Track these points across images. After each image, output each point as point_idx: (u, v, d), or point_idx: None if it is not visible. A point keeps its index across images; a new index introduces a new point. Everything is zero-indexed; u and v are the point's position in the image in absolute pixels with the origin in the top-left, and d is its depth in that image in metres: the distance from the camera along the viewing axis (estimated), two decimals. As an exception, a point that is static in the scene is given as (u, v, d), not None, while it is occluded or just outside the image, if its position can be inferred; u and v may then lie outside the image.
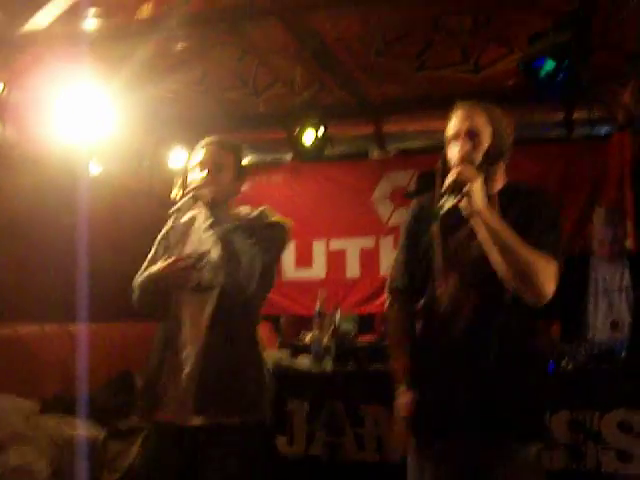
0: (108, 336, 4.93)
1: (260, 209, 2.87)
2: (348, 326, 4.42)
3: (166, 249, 2.81)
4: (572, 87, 4.23)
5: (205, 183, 2.69)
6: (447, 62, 5.08)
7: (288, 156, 6.54)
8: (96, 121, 4.93)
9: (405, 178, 6.10)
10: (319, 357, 3.83)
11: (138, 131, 5.74)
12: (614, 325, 3.91)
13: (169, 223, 2.86)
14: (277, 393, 2.94)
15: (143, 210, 5.76)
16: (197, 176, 2.75)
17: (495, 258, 2.16)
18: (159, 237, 2.88)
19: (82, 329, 4.56)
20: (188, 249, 2.76)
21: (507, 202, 2.31)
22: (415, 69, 5.16)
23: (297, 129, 5.74)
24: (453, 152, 2.34)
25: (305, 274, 6.36)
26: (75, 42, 4.23)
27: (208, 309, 2.68)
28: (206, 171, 2.73)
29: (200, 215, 2.68)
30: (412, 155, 6.29)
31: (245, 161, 2.95)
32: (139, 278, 2.82)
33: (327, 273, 6.37)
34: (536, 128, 5.95)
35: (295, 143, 5.85)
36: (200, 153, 2.80)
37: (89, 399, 4.09)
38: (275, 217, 2.85)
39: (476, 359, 2.27)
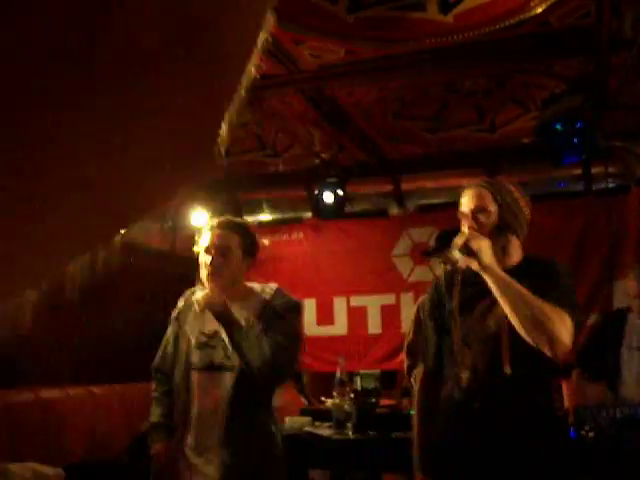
0: (130, 397, 4.96)
1: (272, 290, 2.90)
2: (370, 385, 4.41)
3: (179, 327, 2.87)
4: (588, 147, 4.28)
5: (212, 270, 2.73)
6: (463, 122, 5.15)
7: (308, 214, 6.61)
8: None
9: (425, 234, 6.14)
10: (341, 424, 3.83)
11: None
12: None
13: (180, 302, 2.94)
14: (299, 460, 2.96)
15: (166, 270, 5.84)
16: (205, 260, 2.78)
17: (510, 312, 2.22)
18: (173, 314, 2.95)
19: (106, 391, 4.60)
20: (198, 328, 2.83)
21: (523, 273, 2.36)
22: (432, 130, 5.23)
23: (317, 188, 5.83)
24: (464, 228, 2.43)
25: (327, 331, 6.39)
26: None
27: (227, 391, 2.72)
28: (210, 257, 2.78)
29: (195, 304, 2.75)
30: (431, 211, 6.33)
31: (257, 234, 2.98)
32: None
33: (349, 330, 6.39)
34: (554, 183, 6.00)
35: (315, 202, 5.93)
36: (206, 237, 2.83)
37: (113, 464, 4.11)
38: (286, 298, 2.86)
39: (498, 434, 2.30)
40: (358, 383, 4.05)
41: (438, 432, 2.47)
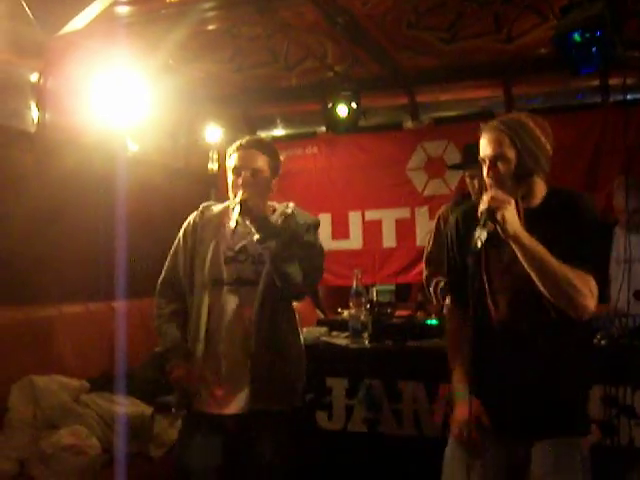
0: (149, 311, 5.04)
1: (290, 209, 2.91)
2: (385, 299, 4.47)
3: (196, 242, 2.89)
4: (606, 57, 4.18)
5: (243, 190, 2.72)
6: (479, 32, 5.03)
7: (322, 128, 6.56)
8: (132, 102, 5.01)
9: (440, 147, 6.11)
10: (357, 334, 3.91)
11: (173, 110, 5.82)
12: (637, 295, 3.91)
13: (194, 216, 2.95)
14: (317, 369, 3.03)
15: (179, 187, 5.86)
16: (235, 180, 2.80)
17: (535, 278, 2.24)
18: (183, 230, 2.96)
19: (124, 305, 4.68)
20: (224, 244, 2.85)
21: (547, 214, 2.36)
22: (447, 40, 5.13)
23: (330, 102, 5.77)
24: (485, 177, 2.41)
25: (342, 245, 6.43)
26: (110, 27, 4.27)
27: (252, 304, 2.77)
28: (241, 177, 2.77)
29: (234, 211, 2.73)
30: (446, 124, 6.27)
31: (279, 150, 2.98)
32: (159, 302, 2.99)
33: (364, 244, 6.44)
34: (571, 95, 5.91)
35: (329, 116, 5.88)
36: (234, 157, 2.83)
37: (134, 375, 4.22)
38: (305, 216, 2.90)
39: (529, 368, 2.35)
40: (374, 294, 4.11)
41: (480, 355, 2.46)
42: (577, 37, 3.97)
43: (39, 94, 4.53)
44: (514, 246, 2.24)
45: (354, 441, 3.76)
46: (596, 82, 5.61)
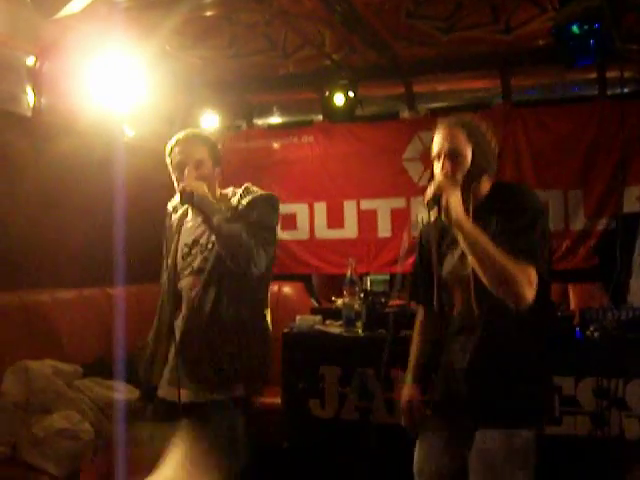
0: (142, 298, 5.05)
1: (244, 186, 2.92)
2: (379, 289, 4.48)
3: (167, 245, 2.97)
4: (604, 50, 4.19)
5: (187, 182, 2.75)
6: (477, 23, 5.03)
7: (318, 117, 6.55)
8: (128, 87, 4.99)
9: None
10: (350, 322, 3.92)
11: (170, 96, 5.80)
12: None
13: (171, 214, 3.05)
14: (310, 357, 3.05)
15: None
16: (178, 177, 2.83)
17: (475, 265, 2.28)
18: (168, 224, 3.05)
19: (120, 292, 4.68)
20: (182, 240, 2.93)
21: (491, 206, 2.42)
22: (445, 30, 5.12)
23: (328, 90, 5.77)
24: (436, 171, 2.45)
25: (337, 234, 6.43)
26: (106, 11, 4.26)
27: (205, 295, 2.80)
28: (185, 172, 2.79)
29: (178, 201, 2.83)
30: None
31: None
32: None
33: (359, 233, 6.43)
34: (568, 87, 5.91)
35: (326, 104, 5.88)
36: (174, 152, 2.85)
37: (128, 362, 4.22)
38: (256, 192, 2.90)
39: (484, 356, 2.44)
40: (368, 283, 4.12)
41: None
42: (575, 29, 3.98)
43: (35, 78, 4.52)
44: (457, 233, 2.29)
45: (346, 429, 3.78)
46: (593, 75, 5.62)
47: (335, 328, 4.02)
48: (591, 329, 3.42)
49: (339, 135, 6.45)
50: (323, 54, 5.50)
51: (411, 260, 5.84)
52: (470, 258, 2.29)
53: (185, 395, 2.76)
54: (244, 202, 2.83)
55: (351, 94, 5.71)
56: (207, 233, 2.81)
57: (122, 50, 4.72)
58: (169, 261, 2.92)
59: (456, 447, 2.50)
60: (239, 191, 2.90)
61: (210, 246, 2.81)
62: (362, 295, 3.93)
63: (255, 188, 2.91)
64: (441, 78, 6.02)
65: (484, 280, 2.27)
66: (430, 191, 2.31)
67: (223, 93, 6.33)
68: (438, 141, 2.45)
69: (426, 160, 6.09)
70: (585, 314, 3.50)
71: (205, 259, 2.82)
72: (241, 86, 6.27)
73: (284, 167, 6.41)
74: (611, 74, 5.51)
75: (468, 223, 2.28)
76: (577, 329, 3.48)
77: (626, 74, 5.38)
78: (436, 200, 2.29)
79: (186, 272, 2.88)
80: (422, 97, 6.31)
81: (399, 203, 6.22)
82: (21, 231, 4.28)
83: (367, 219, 6.36)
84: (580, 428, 3.19)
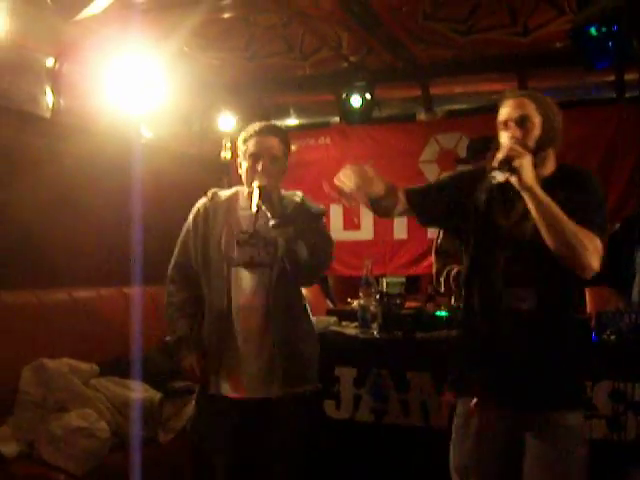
0: (158, 298, 5.06)
1: (300, 197, 2.96)
2: (394, 291, 4.47)
3: (209, 227, 2.93)
4: (622, 52, 4.17)
5: (262, 175, 2.78)
6: (495, 25, 5.03)
7: (335, 119, 6.57)
8: (146, 89, 5.02)
9: (452, 140, 6.09)
10: (366, 324, 3.91)
11: (188, 97, 5.82)
12: None
13: (203, 202, 2.99)
14: (325, 358, 3.07)
15: (192, 173, 5.87)
16: (254, 166, 2.82)
17: (545, 231, 2.25)
18: (193, 216, 3.00)
19: (136, 291, 4.70)
20: (236, 227, 2.87)
21: (557, 183, 2.37)
22: (463, 32, 5.12)
23: (345, 92, 5.78)
24: (504, 139, 2.39)
25: (353, 236, 6.43)
26: (125, 13, 4.29)
27: (267, 286, 2.81)
28: (260, 164, 2.79)
29: (253, 196, 2.76)
30: (459, 117, 6.27)
31: (291, 133, 3.03)
32: (170, 279, 3.08)
33: (375, 235, 6.44)
34: (586, 90, 5.89)
35: (343, 106, 5.89)
36: (251, 143, 2.84)
37: (144, 361, 4.24)
38: (314, 205, 2.98)
39: (524, 328, 2.38)
40: (384, 284, 4.11)
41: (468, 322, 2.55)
42: (593, 31, 3.97)
43: (54, 79, 4.54)
44: (527, 197, 2.25)
45: (361, 430, 3.78)
46: (611, 77, 5.60)
47: (351, 329, 4.02)
48: (607, 332, 3.40)
49: (356, 137, 6.46)
50: (340, 56, 5.51)
51: (426, 262, 5.93)
52: (539, 223, 2.24)
53: (262, 392, 2.83)
54: (308, 211, 2.92)
55: (368, 96, 5.72)
56: (271, 230, 2.78)
57: (140, 51, 4.76)
58: (222, 246, 2.87)
59: (506, 433, 2.45)
60: (296, 199, 2.95)
61: (274, 241, 2.80)
62: (378, 296, 3.92)
63: (311, 200, 3.00)
64: (458, 80, 6.03)
65: (551, 245, 2.24)
66: (501, 154, 2.26)
67: (240, 95, 6.35)
68: (506, 109, 2.40)
69: (442, 162, 6.10)
70: (601, 317, 3.48)
71: (269, 255, 2.82)
72: (258, 88, 6.29)
73: (301, 169, 6.40)
74: (629, 76, 5.49)
75: (539, 188, 2.24)
76: (593, 332, 3.47)
77: (644, 77, 5.36)
78: (507, 163, 2.23)
79: (242, 261, 2.85)
80: (439, 99, 6.31)
81: (416, 205, 6.21)
82: (39, 230, 4.31)
83: (383, 221, 6.34)
84: (596, 432, 3.17)
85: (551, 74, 5.79)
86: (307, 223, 2.84)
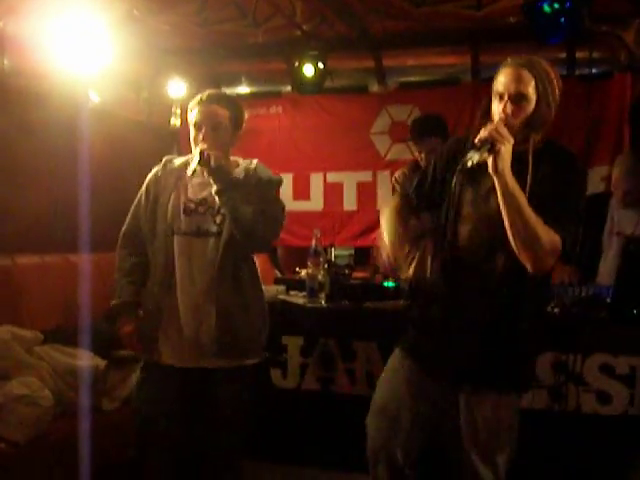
0: (106, 266, 4.99)
1: (254, 165, 2.91)
2: (343, 262, 4.50)
3: (158, 193, 2.89)
4: (574, 29, 4.22)
5: (203, 142, 2.73)
6: (450, -2, 5.03)
7: (287, 88, 6.52)
8: (95, 52, 4.90)
9: (404, 112, 6.09)
10: (314, 293, 3.92)
11: (137, 62, 5.72)
12: None
13: (156, 169, 2.95)
14: (273, 327, 3.06)
15: (141, 140, 5.78)
16: (196, 135, 2.78)
17: (507, 220, 2.25)
18: (146, 182, 2.96)
19: (82, 259, 4.63)
20: (184, 195, 2.84)
21: (544, 159, 2.35)
22: (417, 3, 5.10)
23: (297, 61, 5.73)
24: (495, 109, 2.37)
25: (303, 206, 6.42)
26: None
27: (214, 255, 2.77)
28: (202, 132, 2.76)
29: (192, 161, 2.75)
30: (411, 89, 6.28)
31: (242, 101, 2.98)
32: (120, 243, 3.02)
33: (324, 205, 6.43)
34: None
35: (295, 75, 5.86)
36: (195, 112, 2.81)
37: (90, 329, 4.18)
38: (268, 172, 2.92)
39: (477, 303, 2.40)
40: (332, 255, 4.13)
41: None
42: (546, 7, 4.01)
43: (-1, 39, 4.43)
44: (497, 183, 2.24)
45: (308, 399, 3.79)
46: (563, 54, 5.64)
47: (298, 299, 4.02)
48: (551, 305, 3.46)
49: (307, 107, 6.42)
50: (293, 24, 5.46)
51: (375, 234, 5.95)
52: (504, 210, 2.24)
53: (201, 362, 2.80)
54: (259, 178, 2.85)
55: (320, 66, 5.70)
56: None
57: (89, 13, 4.64)
58: (168, 215, 2.83)
59: (437, 400, 2.51)
60: (250, 166, 2.89)
61: (223, 211, 2.76)
62: (326, 266, 3.93)
63: (265, 168, 2.93)
64: (411, 52, 6.03)
65: (511, 234, 2.24)
66: (485, 134, 2.22)
67: (191, 61, 6.26)
68: (504, 80, 2.34)
69: (394, 134, 6.10)
70: (549, 284, 3.54)
71: (216, 224, 2.78)
72: (209, 54, 6.20)
73: (251, 137, 6.32)
74: (580, 54, 5.54)
75: (511, 177, 2.22)
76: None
77: (594, 54, 5.41)
78: (489, 143, 2.21)
79: (188, 229, 2.81)
80: (391, 71, 6.31)
81: (365, 177, 6.23)
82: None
83: (333, 192, 6.37)
84: (538, 402, 3.23)
85: (504, 49, 5.78)
86: (259, 190, 2.81)
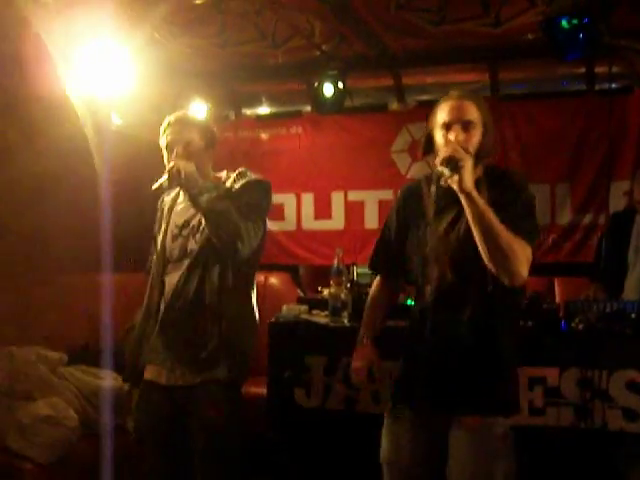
0: (129, 286, 5.02)
1: (238, 170, 2.93)
2: (365, 280, 4.48)
3: (156, 228, 3.02)
4: (593, 44, 4.22)
5: (175, 162, 2.76)
6: (467, 16, 5.03)
7: (307, 108, 6.56)
8: (117, 75, 4.96)
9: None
10: (337, 312, 3.92)
11: (158, 85, 5.77)
12: None
13: (161, 201, 3.07)
14: (296, 347, 3.05)
15: (164, 162, 5.81)
16: (168, 158, 2.85)
17: (479, 238, 2.25)
18: (158, 213, 3.07)
19: (107, 279, 4.66)
20: (172, 223, 2.93)
21: (486, 184, 2.38)
22: (435, 22, 5.12)
23: (317, 81, 5.77)
24: (442, 140, 2.38)
25: (324, 225, 6.44)
26: (96, -3, 4.24)
27: (189, 276, 2.82)
28: (174, 153, 2.81)
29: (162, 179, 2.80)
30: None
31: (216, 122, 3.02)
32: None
33: (346, 224, 6.45)
34: (556, 82, 5.93)
35: (315, 95, 5.88)
36: (166, 135, 2.87)
37: (114, 349, 4.21)
38: (253, 176, 2.92)
39: (459, 337, 2.41)
40: (355, 273, 4.12)
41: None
42: (564, 23, 4.00)
43: (23, 64, 4.47)
44: (465, 201, 2.24)
45: (332, 419, 3.78)
46: (582, 69, 5.64)
47: (321, 318, 4.02)
48: (576, 321, 3.44)
49: (327, 126, 6.45)
50: (312, 44, 5.49)
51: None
52: (475, 228, 2.24)
53: (170, 378, 2.81)
54: (237, 185, 2.85)
55: (340, 85, 5.72)
56: (198, 215, 2.81)
57: (111, 37, 4.70)
58: (158, 243, 2.92)
59: (429, 434, 2.49)
60: (233, 175, 2.91)
61: (201, 228, 2.81)
62: (349, 285, 3.93)
63: (250, 172, 2.92)
64: (430, 71, 6.04)
65: (484, 253, 2.24)
66: (447, 153, 2.23)
67: (212, 83, 6.31)
68: (450, 110, 2.37)
69: (414, 152, 6.11)
70: (570, 306, 3.52)
71: (195, 242, 2.82)
72: (230, 76, 6.25)
73: (272, 157, 6.40)
74: (599, 69, 5.54)
75: (476, 193, 2.24)
76: (562, 321, 3.51)
77: (614, 69, 5.40)
78: (452, 161, 2.20)
79: (175, 254, 2.87)
80: (411, 89, 6.32)
81: (386, 195, 6.22)
82: (9, 218, 4.25)
83: (354, 210, 6.38)
84: (564, 419, 3.21)
85: (522, 65, 5.82)
86: (244, 188, 2.84)
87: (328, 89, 5.71)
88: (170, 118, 2.89)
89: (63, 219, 4.72)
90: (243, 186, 2.84)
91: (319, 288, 4.83)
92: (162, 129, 2.90)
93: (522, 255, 2.25)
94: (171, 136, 2.84)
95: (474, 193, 2.22)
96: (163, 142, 2.88)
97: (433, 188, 2.43)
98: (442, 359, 2.42)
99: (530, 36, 5.16)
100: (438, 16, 5.00)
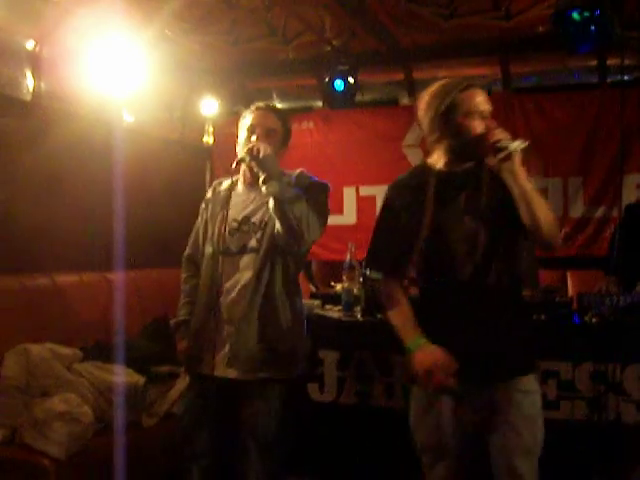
0: (144, 283, 5.05)
1: (299, 170, 2.94)
2: (377, 275, 4.47)
3: (208, 217, 2.97)
4: (604, 36, 4.20)
5: (259, 142, 2.75)
6: (477, 9, 5.03)
7: (318, 103, 6.56)
8: (128, 72, 4.98)
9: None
10: (349, 307, 3.93)
11: (170, 82, 5.78)
12: None
13: (209, 192, 3.05)
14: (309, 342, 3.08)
15: (175, 159, 5.84)
16: (247, 139, 2.82)
17: (530, 211, 2.27)
18: (202, 206, 3.06)
19: (119, 276, 4.69)
20: (230, 215, 2.90)
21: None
22: (446, 16, 5.11)
23: (328, 76, 5.77)
24: (481, 126, 2.38)
25: (336, 220, 6.41)
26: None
27: (253, 269, 2.81)
28: (256, 135, 2.80)
29: (240, 180, 2.85)
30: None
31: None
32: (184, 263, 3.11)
33: (358, 219, 6.44)
34: (568, 75, 5.91)
35: (326, 90, 5.88)
36: (250, 117, 2.87)
37: (128, 346, 4.23)
38: (314, 178, 2.94)
39: (484, 304, 2.40)
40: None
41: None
42: (576, 15, 3.99)
43: (35, 62, 4.50)
44: (518, 178, 2.27)
45: (345, 413, 3.79)
46: (593, 62, 5.62)
47: (334, 313, 4.03)
48: (589, 314, 3.44)
49: (339, 121, 6.45)
50: (323, 40, 5.50)
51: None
52: (526, 206, 2.27)
53: (237, 374, 2.82)
54: (301, 184, 2.84)
55: (351, 80, 5.72)
56: (261, 211, 2.82)
57: (122, 34, 4.72)
58: (215, 234, 2.90)
59: (471, 412, 2.45)
60: (294, 174, 2.90)
61: (264, 225, 2.81)
62: (361, 280, 3.93)
63: (310, 175, 2.94)
64: (441, 64, 6.02)
65: (532, 224, 2.27)
66: (502, 135, 2.29)
67: (223, 79, 6.32)
68: (479, 101, 2.42)
69: (426, 147, 6.08)
70: (583, 300, 3.52)
71: (259, 240, 2.82)
72: (241, 72, 6.26)
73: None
74: (611, 61, 5.51)
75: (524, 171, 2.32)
76: (575, 314, 3.50)
77: (626, 61, 5.37)
78: (508, 141, 2.27)
79: (232, 249, 2.86)
80: (422, 84, 6.29)
81: (398, 190, 6.21)
82: (21, 215, 4.28)
83: (366, 205, 6.37)
84: (577, 413, 3.21)
85: (533, 58, 5.80)
86: (310, 191, 2.83)
87: (339, 84, 5.71)
88: (259, 104, 2.91)
89: (76, 216, 4.75)
90: (309, 187, 2.84)
91: (332, 283, 4.84)
92: (247, 111, 2.90)
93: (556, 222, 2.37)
94: (257, 119, 2.84)
95: (523, 171, 2.28)
96: (247, 122, 2.86)
97: (432, 179, 2.46)
98: (483, 330, 2.39)
99: (541, 29, 5.15)
100: (448, 10, 5.01)
